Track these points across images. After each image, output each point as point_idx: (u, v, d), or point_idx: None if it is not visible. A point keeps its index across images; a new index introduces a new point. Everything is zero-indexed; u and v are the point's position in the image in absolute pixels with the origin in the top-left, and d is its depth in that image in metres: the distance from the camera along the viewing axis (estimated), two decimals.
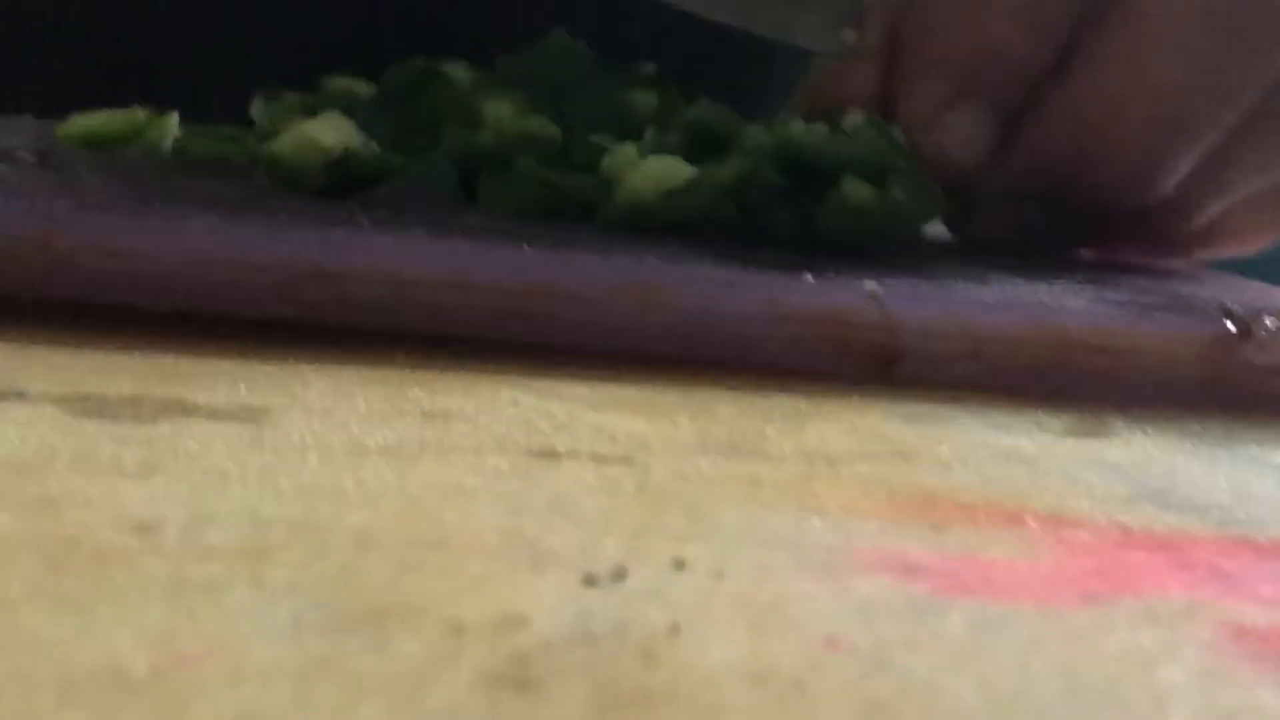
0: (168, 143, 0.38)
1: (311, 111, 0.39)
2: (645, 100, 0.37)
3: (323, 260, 0.26)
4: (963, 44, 0.35)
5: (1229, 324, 0.28)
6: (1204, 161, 0.36)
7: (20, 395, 0.21)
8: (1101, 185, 0.36)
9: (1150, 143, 0.35)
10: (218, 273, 0.25)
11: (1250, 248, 0.41)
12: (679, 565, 0.17)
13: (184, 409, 0.21)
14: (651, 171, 0.33)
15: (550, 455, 0.21)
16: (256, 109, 0.39)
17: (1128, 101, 0.35)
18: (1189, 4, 0.34)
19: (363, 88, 0.39)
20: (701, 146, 0.34)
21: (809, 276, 0.28)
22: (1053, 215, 0.37)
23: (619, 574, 0.16)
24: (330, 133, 0.33)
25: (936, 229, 0.39)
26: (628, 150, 0.34)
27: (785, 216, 0.33)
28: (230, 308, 0.25)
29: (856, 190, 0.32)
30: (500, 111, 0.36)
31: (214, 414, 0.21)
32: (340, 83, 0.40)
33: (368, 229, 0.27)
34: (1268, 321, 0.28)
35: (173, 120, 0.38)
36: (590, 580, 0.16)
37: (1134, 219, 0.38)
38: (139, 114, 0.38)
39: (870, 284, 0.27)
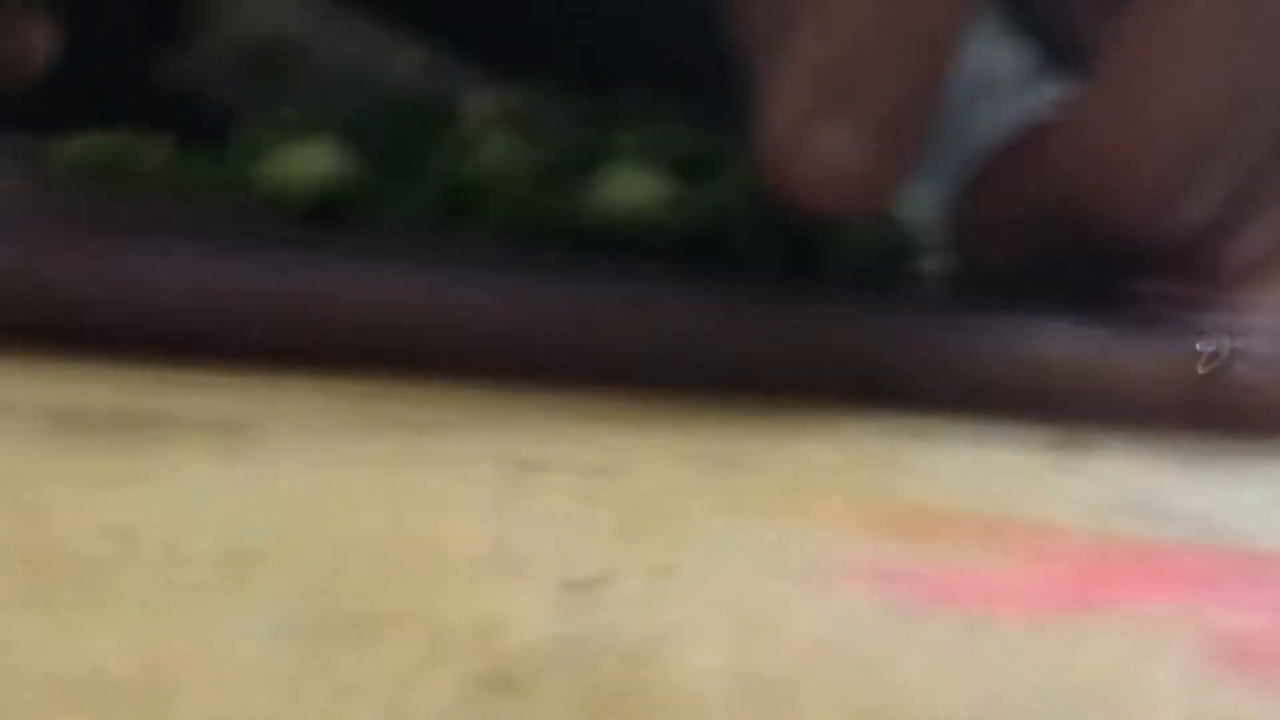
0: (156, 166, 0.38)
1: (295, 133, 0.39)
2: (625, 140, 0.37)
3: (305, 288, 0.25)
4: (829, 54, 0.31)
5: (1209, 345, 0.28)
6: (1237, 184, 0.33)
7: (2, 407, 0.21)
8: (1121, 215, 0.32)
9: (1175, 165, 0.31)
10: (200, 301, 0.25)
11: None
12: (664, 573, 0.17)
13: (168, 420, 0.21)
14: (630, 189, 0.32)
15: (534, 466, 0.21)
16: (240, 129, 0.39)
17: (1149, 120, 0.31)
18: (1217, 13, 0.31)
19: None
20: (685, 173, 0.34)
21: (796, 300, 0.27)
22: (1069, 250, 0.34)
23: (604, 582, 0.16)
24: (314, 159, 0.33)
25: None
26: (608, 171, 0.33)
27: (773, 246, 0.33)
28: (213, 335, 0.25)
29: (856, 229, 0.32)
30: (488, 138, 0.36)
31: (197, 425, 0.21)
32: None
33: (349, 256, 0.27)
34: (1246, 345, 0.28)
35: (162, 143, 0.38)
36: (575, 587, 0.16)
37: (1165, 252, 0.34)
38: (130, 138, 0.38)
39: (849, 306, 0.27)
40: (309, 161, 0.33)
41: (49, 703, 0.12)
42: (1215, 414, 0.28)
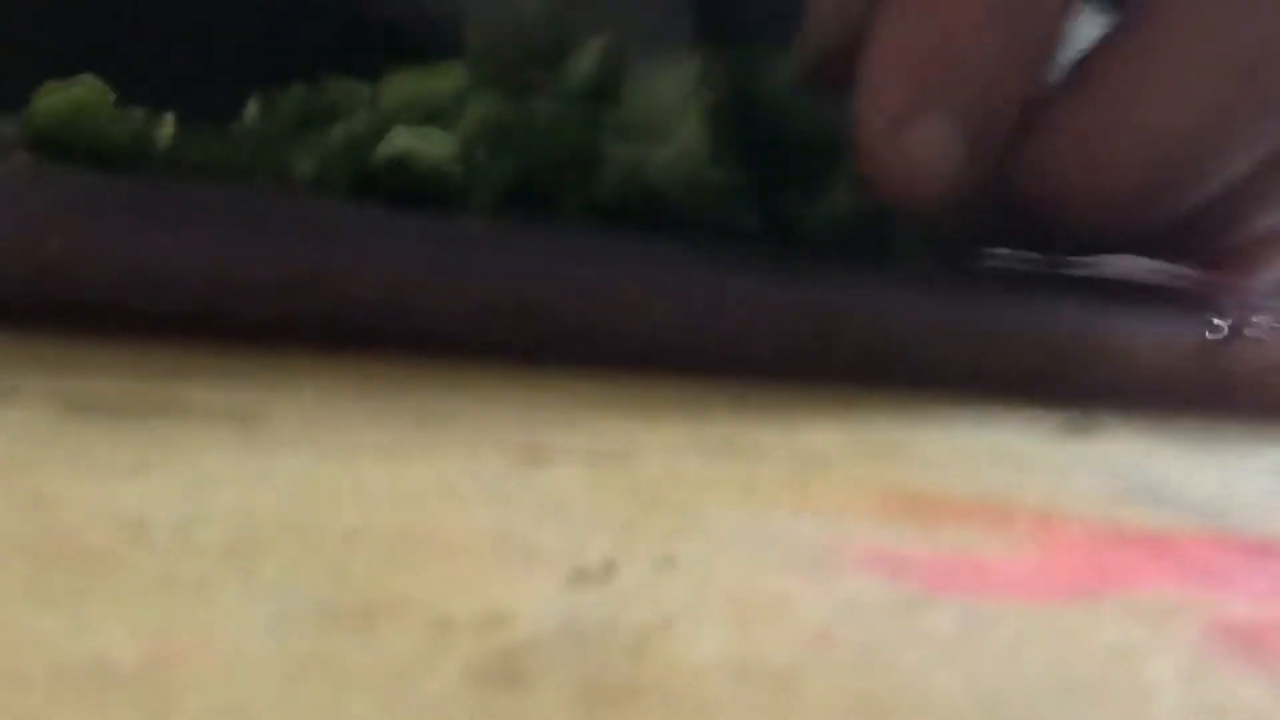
0: (164, 145, 0.38)
1: (309, 113, 0.39)
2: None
3: (316, 264, 0.25)
4: (925, 49, 0.31)
5: (1219, 323, 0.28)
6: (1220, 197, 0.32)
7: (11, 392, 0.21)
8: (1087, 220, 0.31)
9: (1142, 185, 0.31)
10: (211, 277, 0.25)
11: None
12: (669, 562, 0.17)
13: (176, 407, 0.21)
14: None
15: (540, 453, 0.21)
16: (250, 111, 0.39)
17: (1120, 139, 0.31)
18: (1206, 45, 0.30)
19: (364, 91, 0.39)
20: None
21: (798, 276, 0.28)
22: (1041, 237, 0.34)
23: (609, 570, 0.16)
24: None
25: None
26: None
27: (747, 212, 0.33)
28: (223, 312, 0.25)
29: (844, 198, 0.32)
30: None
31: (206, 412, 0.21)
32: (342, 85, 0.40)
33: (361, 232, 0.27)
34: (1258, 320, 0.28)
35: (168, 122, 0.38)
36: (580, 577, 0.16)
37: (1151, 239, 0.33)
38: (139, 116, 0.38)
39: (862, 284, 0.27)
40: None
41: (54, 696, 0.12)
42: (1227, 392, 0.28)
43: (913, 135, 0.30)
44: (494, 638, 0.14)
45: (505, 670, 0.13)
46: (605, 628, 0.15)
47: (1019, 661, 0.15)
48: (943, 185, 0.31)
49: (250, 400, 0.22)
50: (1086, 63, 0.31)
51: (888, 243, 0.32)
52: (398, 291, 0.26)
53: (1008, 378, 0.27)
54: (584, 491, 0.19)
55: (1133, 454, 0.25)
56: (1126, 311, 0.28)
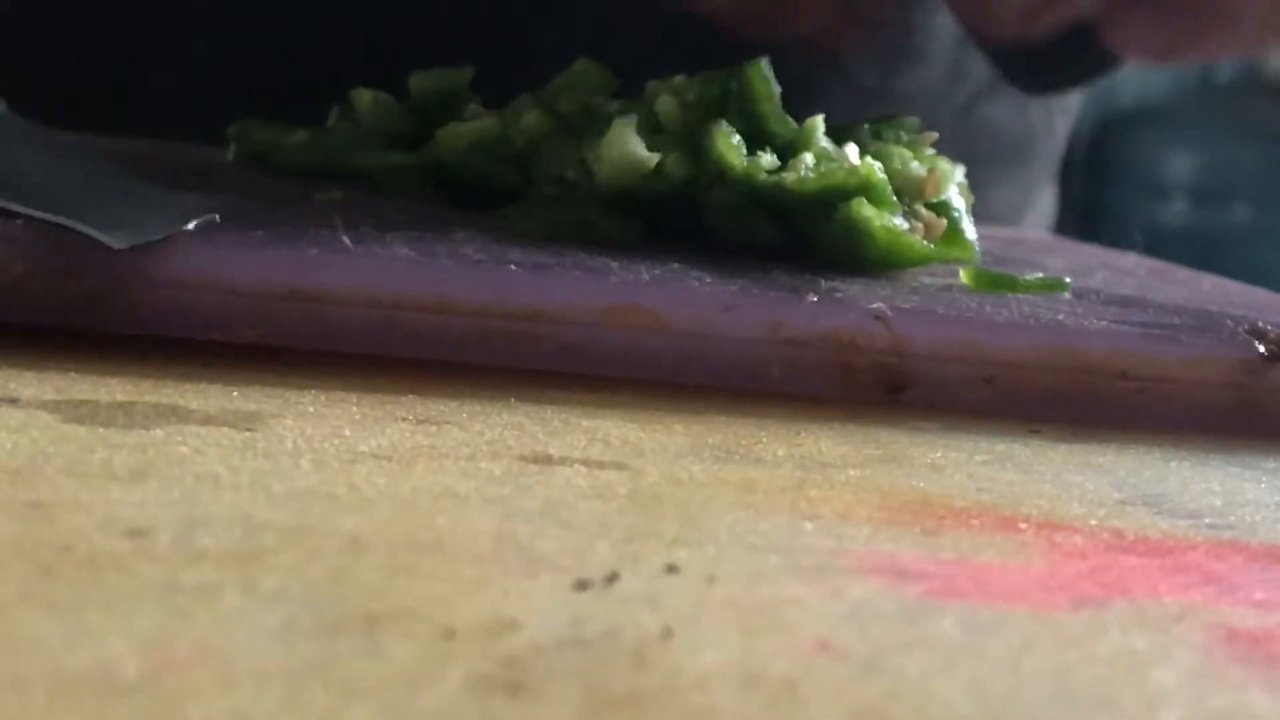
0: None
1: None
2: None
3: (298, 281, 0.24)
4: None
5: (1259, 345, 0.26)
6: None
7: (12, 401, 0.21)
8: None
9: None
10: (183, 296, 0.24)
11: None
12: (671, 569, 0.17)
13: (176, 414, 0.21)
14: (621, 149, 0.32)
15: (543, 460, 0.21)
16: (333, 116, 0.40)
17: None
18: None
19: (384, 99, 0.40)
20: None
21: (812, 297, 0.26)
22: None
23: (611, 578, 0.16)
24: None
25: None
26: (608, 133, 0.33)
27: (754, 226, 0.32)
28: (198, 333, 0.24)
29: (861, 211, 0.31)
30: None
31: (206, 419, 0.21)
32: (363, 94, 0.40)
33: (348, 248, 0.26)
34: None
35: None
36: (582, 584, 0.16)
37: None
38: None
39: (877, 305, 0.26)
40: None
41: (55, 703, 0.12)
42: (1266, 419, 0.26)
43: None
44: (497, 646, 0.14)
45: (508, 678, 0.13)
46: (608, 636, 0.15)
47: (1022, 669, 0.15)
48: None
49: (250, 406, 0.22)
50: None
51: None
52: (381, 310, 0.25)
53: (1032, 405, 0.26)
54: (586, 498, 0.19)
55: (1135, 462, 0.24)
56: (1161, 334, 0.27)
